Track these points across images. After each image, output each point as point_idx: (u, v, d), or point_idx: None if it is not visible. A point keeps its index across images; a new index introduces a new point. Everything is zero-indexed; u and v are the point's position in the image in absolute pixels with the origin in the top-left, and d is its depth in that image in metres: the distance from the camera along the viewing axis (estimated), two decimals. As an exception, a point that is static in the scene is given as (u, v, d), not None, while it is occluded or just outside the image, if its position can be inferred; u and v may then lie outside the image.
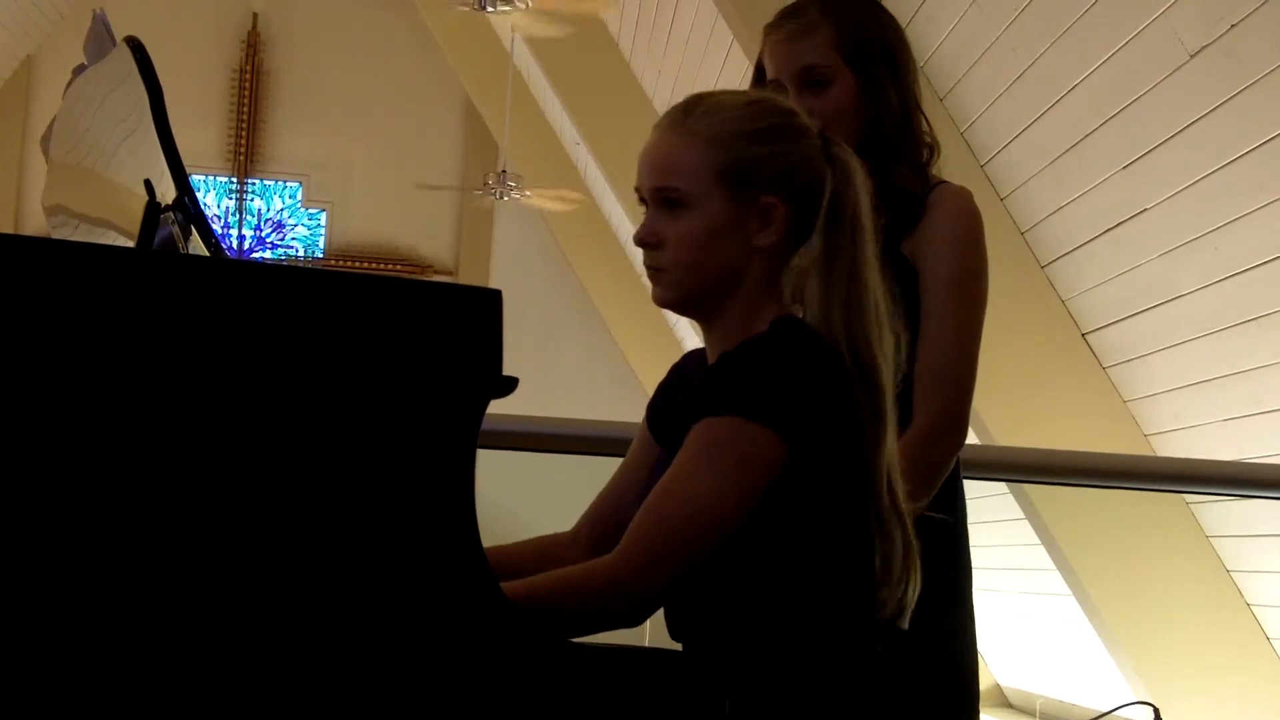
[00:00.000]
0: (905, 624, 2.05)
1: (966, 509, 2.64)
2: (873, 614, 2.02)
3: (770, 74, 2.62)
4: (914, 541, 2.03)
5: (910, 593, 2.04)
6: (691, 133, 2.05)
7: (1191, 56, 4.70)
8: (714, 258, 2.04)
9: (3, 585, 1.66)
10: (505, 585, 1.80)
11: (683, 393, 2.17)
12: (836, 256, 2.05)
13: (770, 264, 2.06)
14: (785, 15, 2.64)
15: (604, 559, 1.93)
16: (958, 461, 2.57)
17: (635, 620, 1.93)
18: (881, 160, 2.55)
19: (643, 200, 2.10)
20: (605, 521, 2.21)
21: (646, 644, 1.92)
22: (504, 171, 12.04)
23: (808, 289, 2.06)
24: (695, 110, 2.07)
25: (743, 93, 2.13)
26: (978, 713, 2.62)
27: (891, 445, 2.02)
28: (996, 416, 6.15)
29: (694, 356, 2.25)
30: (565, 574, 1.93)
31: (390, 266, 14.58)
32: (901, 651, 2.08)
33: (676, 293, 2.08)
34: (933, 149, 2.64)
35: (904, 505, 2.02)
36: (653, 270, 2.08)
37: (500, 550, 2.18)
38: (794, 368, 1.96)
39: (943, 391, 2.51)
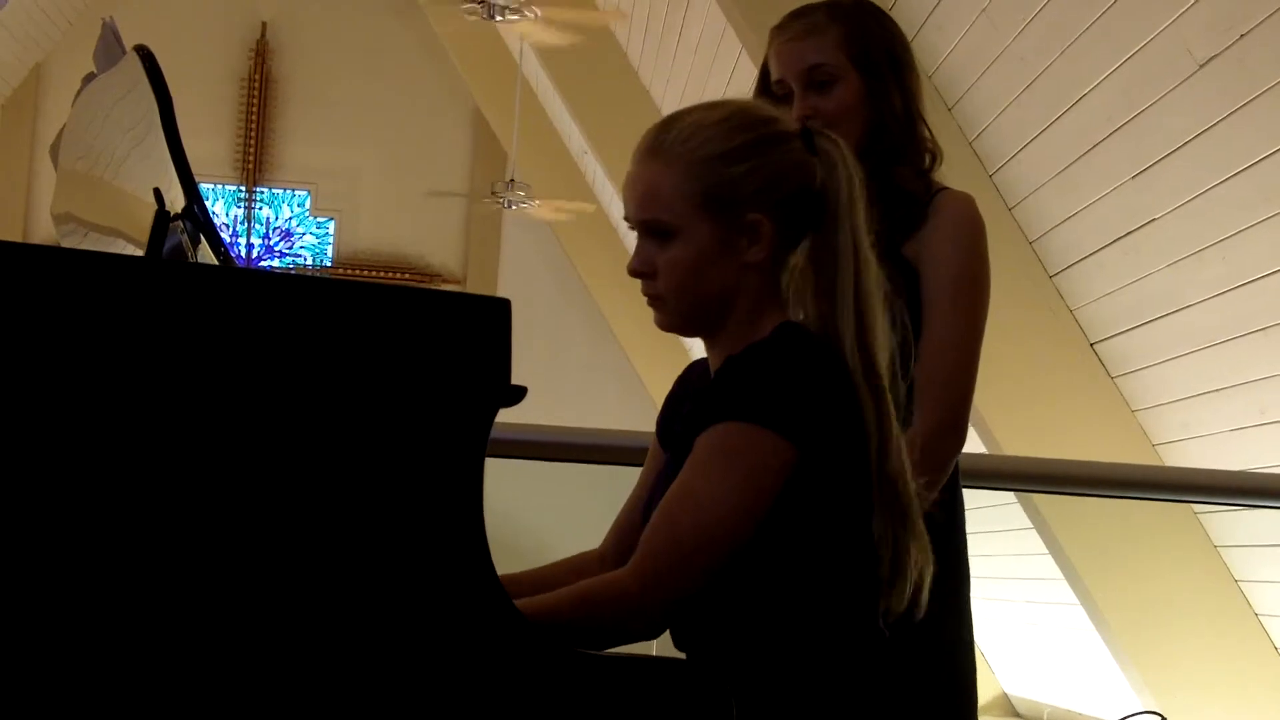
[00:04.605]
0: (920, 613, 2.05)
1: (964, 513, 2.65)
2: (878, 617, 2.02)
3: (775, 74, 2.66)
4: (924, 535, 2.03)
5: (912, 585, 2.03)
6: (668, 160, 2.05)
7: (1201, 66, 4.70)
8: (707, 282, 2.05)
9: (18, 595, 1.66)
10: (524, 601, 1.80)
11: (688, 402, 2.18)
12: (820, 255, 2.05)
13: (764, 275, 2.07)
14: (792, 17, 2.68)
15: (618, 573, 1.93)
16: (956, 467, 2.58)
17: (651, 633, 1.93)
18: (884, 162, 2.57)
19: (633, 227, 2.11)
20: (627, 539, 2.20)
21: (654, 653, 1.92)
22: (512, 180, 12.04)
23: (798, 288, 2.07)
24: (669, 135, 2.07)
25: (716, 106, 2.12)
26: (975, 716, 2.63)
27: (898, 443, 2.02)
28: (1004, 426, 6.14)
29: (697, 367, 2.26)
30: (581, 588, 1.93)
31: (398, 275, 14.57)
32: (901, 655, 2.09)
33: (676, 319, 2.10)
34: (935, 155, 2.67)
35: (912, 503, 2.03)
36: (651, 298, 2.10)
37: (534, 573, 2.18)
38: (799, 371, 1.96)
39: (942, 396, 2.53)
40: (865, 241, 2.06)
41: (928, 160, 2.66)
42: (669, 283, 2.06)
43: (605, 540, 2.30)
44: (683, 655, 2.05)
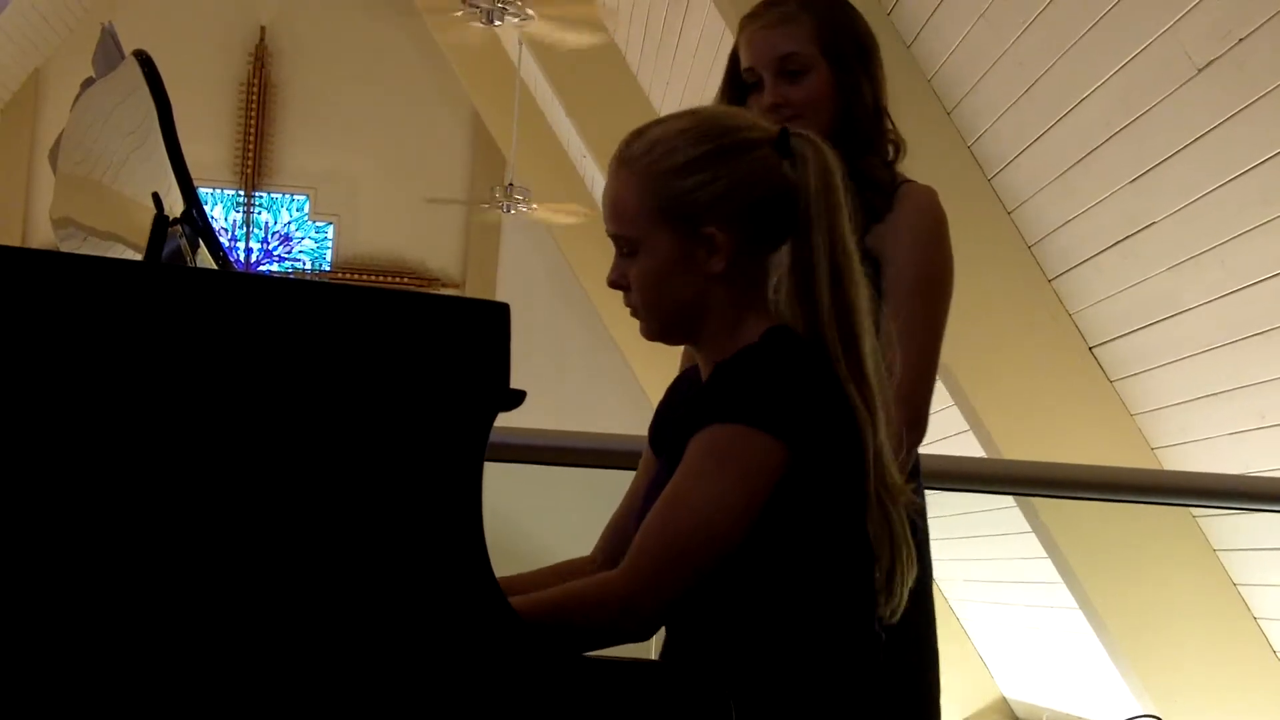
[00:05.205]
0: (895, 618, 2.05)
1: (926, 512, 2.65)
2: (874, 615, 2.02)
3: (746, 63, 2.69)
4: (908, 538, 2.04)
5: (904, 588, 2.04)
6: (630, 173, 2.07)
7: (1199, 70, 4.70)
8: (671, 293, 2.07)
9: (20, 596, 1.66)
10: (515, 600, 1.80)
11: (681, 408, 2.18)
12: (799, 257, 2.05)
13: (734, 283, 2.06)
14: (765, 5, 2.71)
15: (609, 574, 1.93)
16: (919, 467, 2.59)
17: (642, 635, 1.93)
18: (853, 153, 2.59)
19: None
20: (618, 545, 2.21)
21: (654, 656, 1.92)
22: (511, 184, 12.04)
23: (784, 293, 2.07)
24: (633, 148, 2.09)
25: (683, 116, 2.12)
26: (938, 708, 2.64)
27: (882, 442, 2.02)
28: (1003, 429, 6.14)
29: (688, 376, 2.26)
30: (572, 589, 1.93)
31: (397, 279, 14.58)
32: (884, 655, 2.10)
33: (654, 328, 2.12)
34: (898, 146, 2.70)
35: (897, 503, 2.03)
36: (631, 309, 2.12)
37: (525, 576, 2.18)
38: (790, 374, 1.97)
39: (902, 391, 2.54)
40: (847, 242, 2.05)
41: (892, 151, 2.69)
42: (639, 296, 2.08)
43: (596, 546, 2.30)
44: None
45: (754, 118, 2.17)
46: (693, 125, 2.09)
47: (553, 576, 2.20)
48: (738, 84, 2.70)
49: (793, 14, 2.66)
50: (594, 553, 2.29)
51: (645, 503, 2.12)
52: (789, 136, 2.07)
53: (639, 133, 2.11)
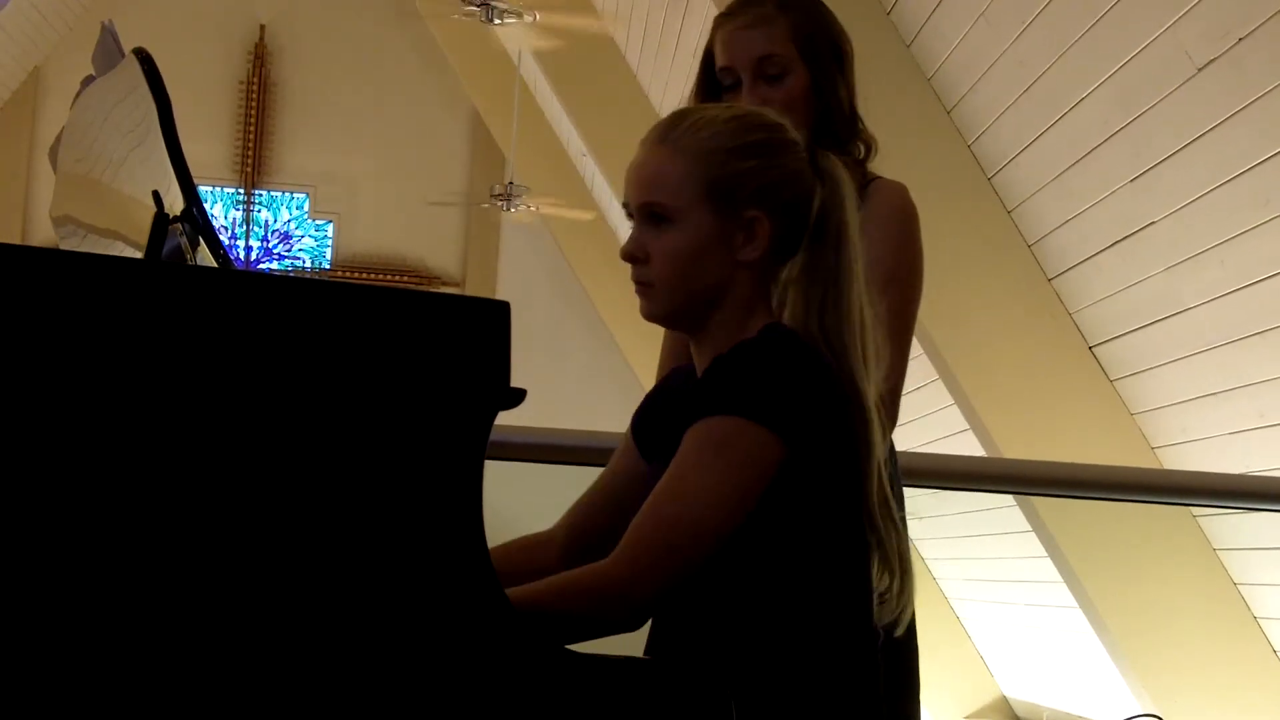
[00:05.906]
0: (901, 631, 2.06)
1: (904, 506, 2.67)
2: (870, 617, 2.02)
3: (722, 62, 2.69)
4: (907, 545, 2.05)
5: (907, 597, 2.05)
6: (677, 148, 2.06)
7: (1199, 70, 4.70)
8: (699, 272, 2.05)
9: (19, 596, 1.66)
10: (509, 592, 1.80)
11: (670, 405, 2.18)
12: (819, 268, 2.06)
13: (756, 277, 2.07)
14: (742, 5, 2.71)
15: (603, 562, 1.92)
16: (896, 463, 2.60)
17: (634, 624, 1.93)
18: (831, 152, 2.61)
19: (631, 215, 2.11)
20: (582, 528, 2.23)
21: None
22: (511, 183, 12.05)
23: (791, 299, 2.07)
24: (680, 125, 2.08)
25: (729, 106, 2.15)
26: (918, 701, 2.64)
27: (880, 450, 2.03)
28: (1003, 428, 6.14)
29: (680, 371, 2.25)
30: (565, 578, 1.93)
31: (397, 278, 14.58)
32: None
33: (663, 307, 2.09)
34: (869, 146, 2.71)
35: (896, 509, 2.03)
36: (640, 285, 2.10)
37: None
38: (789, 370, 1.97)
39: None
40: (860, 260, 2.07)
41: (863, 150, 2.70)
42: (661, 270, 2.06)
43: (555, 527, 2.28)
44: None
45: (786, 119, 2.17)
46: (740, 115, 2.11)
47: (513, 551, 2.20)
48: (713, 83, 2.70)
49: (770, 14, 2.66)
50: (552, 531, 2.28)
51: (618, 496, 2.15)
52: (816, 154, 2.10)
53: (682, 114, 2.11)
